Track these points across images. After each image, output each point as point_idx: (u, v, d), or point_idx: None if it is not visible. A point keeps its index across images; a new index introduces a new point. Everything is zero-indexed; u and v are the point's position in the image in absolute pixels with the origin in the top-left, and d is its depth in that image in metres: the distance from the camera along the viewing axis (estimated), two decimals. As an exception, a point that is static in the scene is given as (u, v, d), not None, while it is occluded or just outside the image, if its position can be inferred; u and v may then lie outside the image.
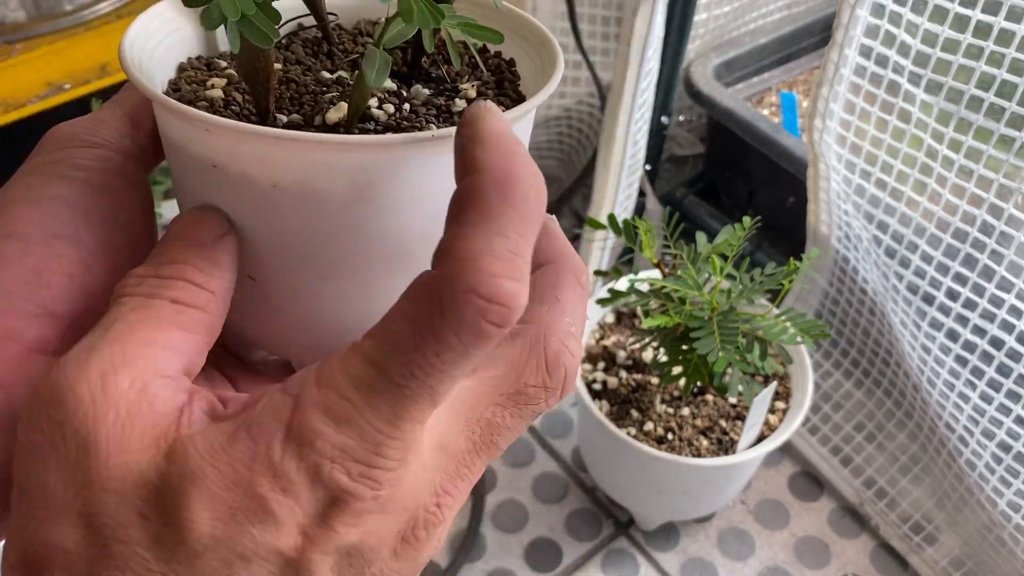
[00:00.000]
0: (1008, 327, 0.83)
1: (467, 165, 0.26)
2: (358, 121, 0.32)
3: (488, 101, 0.28)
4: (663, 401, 0.95)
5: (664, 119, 1.26)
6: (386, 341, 0.25)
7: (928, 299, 0.90)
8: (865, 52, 0.84)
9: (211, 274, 0.29)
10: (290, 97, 0.35)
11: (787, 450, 1.13)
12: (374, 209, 0.30)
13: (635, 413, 0.94)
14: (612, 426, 0.90)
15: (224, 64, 0.35)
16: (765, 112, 1.29)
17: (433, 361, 0.25)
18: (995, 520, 0.92)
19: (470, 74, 0.36)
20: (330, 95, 0.34)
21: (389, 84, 0.35)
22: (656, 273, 0.89)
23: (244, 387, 0.35)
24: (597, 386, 0.97)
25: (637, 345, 0.99)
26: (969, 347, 0.87)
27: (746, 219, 0.82)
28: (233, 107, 0.33)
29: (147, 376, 0.26)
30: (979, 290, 0.84)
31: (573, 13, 1.12)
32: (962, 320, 0.87)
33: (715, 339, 0.79)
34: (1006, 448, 0.87)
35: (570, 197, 1.30)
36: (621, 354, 0.99)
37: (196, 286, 0.29)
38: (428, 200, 0.30)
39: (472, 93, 0.35)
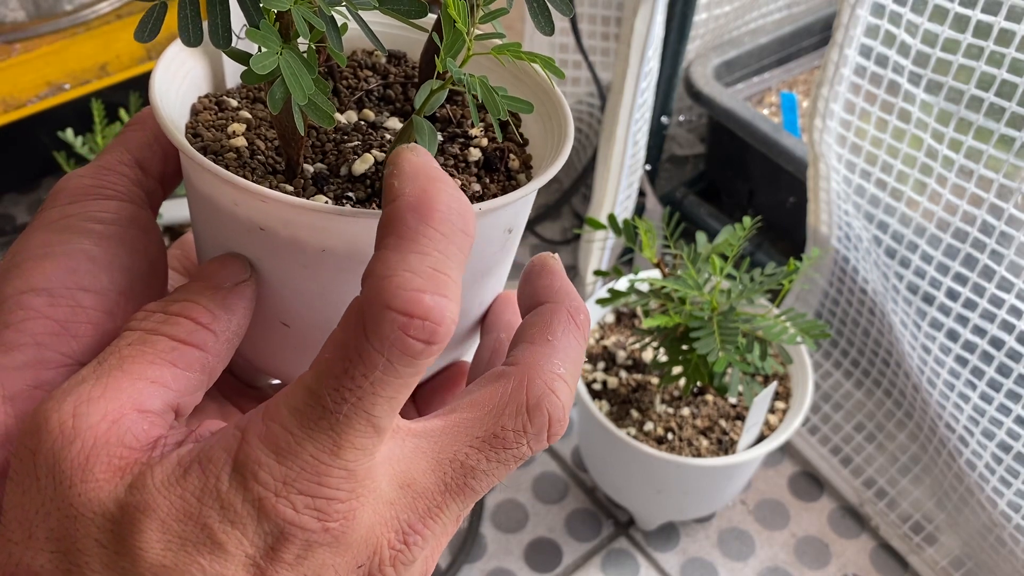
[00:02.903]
0: (1008, 327, 0.83)
1: (387, 195, 0.27)
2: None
3: (412, 144, 0.29)
4: (663, 401, 0.95)
5: (664, 119, 1.26)
6: (319, 369, 0.26)
7: (928, 299, 0.90)
8: (865, 52, 0.84)
9: (218, 316, 0.30)
10: (312, 144, 0.35)
11: (787, 450, 1.13)
12: None
13: (635, 413, 0.94)
14: (612, 426, 0.90)
15: (235, 103, 0.36)
16: (765, 112, 1.29)
17: (362, 383, 0.25)
18: (995, 520, 0.92)
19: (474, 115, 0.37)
20: (352, 144, 0.35)
21: (400, 126, 0.36)
22: (656, 273, 0.89)
23: None
24: (597, 386, 0.97)
25: (637, 345, 0.99)
26: (969, 347, 0.87)
27: (746, 219, 0.82)
28: (259, 156, 0.34)
29: (124, 409, 0.27)
30: (979, 290, 0.84)
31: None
32: (962, 320, 0.87)
33: (715, 339, 0.79)
34: (1006, 448, 0.87)
35: (570, 197, 1.30)
36: (621, 354, 0.99)
37: (200, 326, 0.29)
38: (482, 243, 0.31)
39: (484, 142, 0.36)
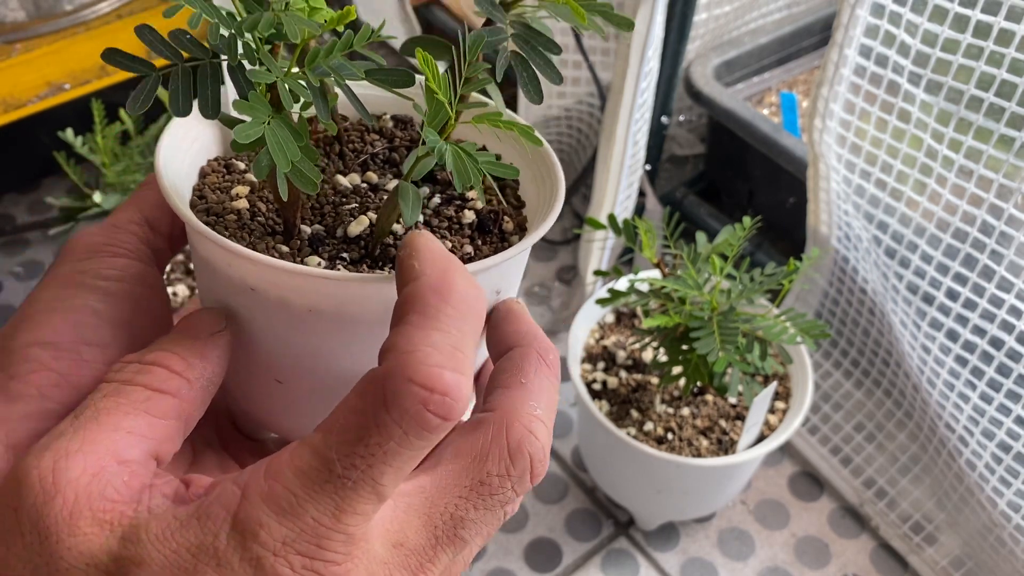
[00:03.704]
0: (1008, 327, 0.83)
1: (407, 275, 0.29)
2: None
3: (424, 230, 0.32)
4: (663, 401, 0.95)
5: (664, 119, 1.26)
6: (331, 433, 0.26)
7: (928, 299, 0.90)
8: (865, 52, 0.84)
9: (192, 364, 0.31)
10: (311, 206, 0.36)
11: (787, 450, 1.13)
12: None
13: (635, 413, 0.94)
14: (612, 426, 0.90)
15: (242, 165, 0.37)
16: (765, 112, 1.29)
17: (375, 451, 0.26)
18: (995, 520, 0.92)
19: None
20: (350, 206, 0.36)
21: None
22: (656, 273, 0.89)
23: None
24: (597, 386, 0.97)
25: (637, 345, 0.99)
26: (969, 347, 0.87)
27: (746, 219, 0.82)
28: (259, 218, 0.35)
29: (103, 461, 0.27)
30: (979, 290, 0.84)
31: (573, 13, 1.12)
32: (962, 320, 0.87)
33: (715, 339, 0.79)
34: (1006, 448, 0.87)
35: (570, 197, 1.31)
36: (621, 354, 0.99)
37: (174, 373, 0.30)
38: None
39: (479, 204, 0.37)
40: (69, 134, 0.96)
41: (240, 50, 0.30)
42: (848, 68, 0.86)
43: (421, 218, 0.36)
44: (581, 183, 1.28)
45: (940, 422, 0.94)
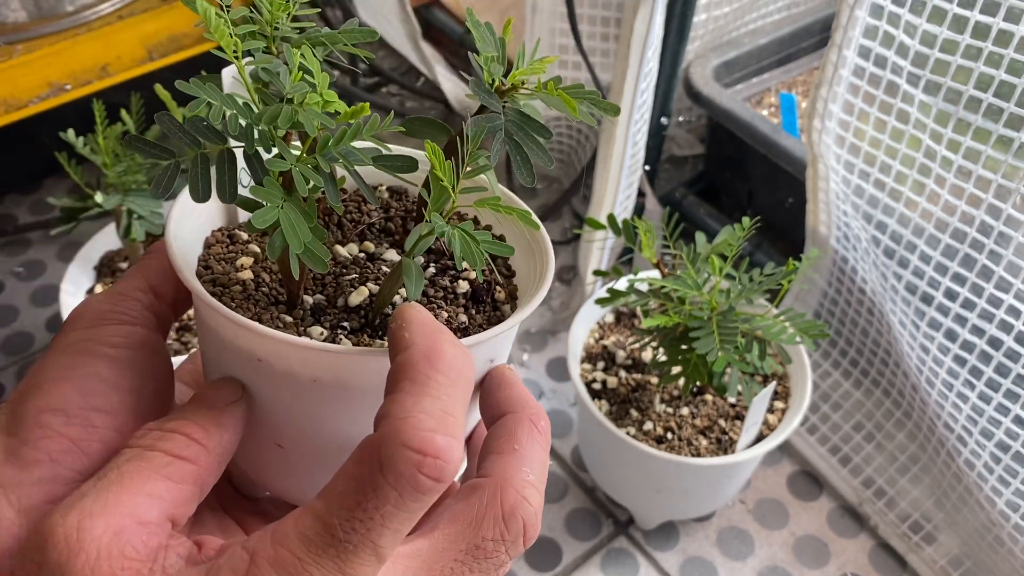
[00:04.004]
0: (1006, 327, 0.83)
1: (398, 345, 0.30)
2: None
3: (413, 302, 0.33)
4: (662, 401, 0.95)
5: (664, 119, 1.27)
6: (331, 499, 0.28)
7: (926, 299, 0.90)
8: (864, 53, 0.85)
9: (210, 432, 0.33)
10: (313, 276, 0.38)
11: (786, 449, 1.14)
12: None
13: (634, 413, 0.94)
14: (612, 426, 0.91)
15: (245, 236, 0.39)
16: (764, 113, 1.29)
17: (373, 515, 0.28)
18: (994, 519, 0.92)
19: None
20: (350, 276, 0.38)
21: (397, 258, 0.39)
22: (656, 273, 0.90)
23: (253, 531, 0.38)
24: (596, 386, 0.97)
25: (636, 345, 0.99)
26: (967, 347, 0.87)
27: (745, 219, 0.83)
28: (263, 288, 0.37)
29: (124, 522, 0.29)
30: (977, 290, 0.84)
31: (573, 13, 1.12)
32: (960, 320, 0.87)
33: (714, 339, 0.79)
34: (1004, 448, 0.88)
35: (570, 197, 1.31)
36: (620, 354, 1.00)
37: (192, 440, 0.32)
38: None
39: (472, 275, 0.39)
40: (70, 134, 0.96)
41: (255, 136, 0.32)
42: (847, 69, 0.87)
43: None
44: (581, 183, 1.28)
45: (939, 422, 0.94)
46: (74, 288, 1.05)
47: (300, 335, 0.35)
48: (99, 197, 0.98)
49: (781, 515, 1.09)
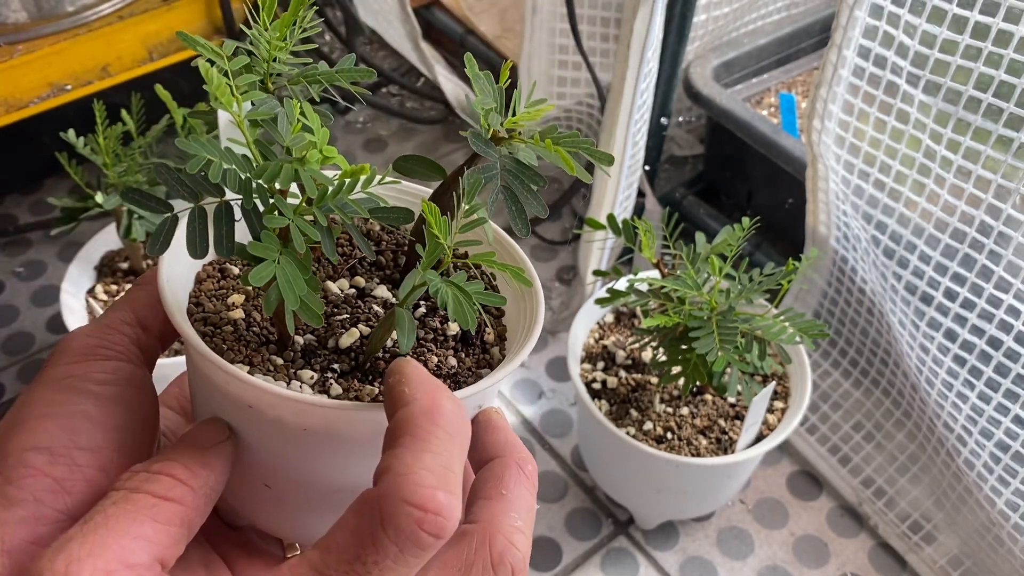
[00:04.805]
0: (1006, 327, 0.83)
1: (398, 400, 0.31)
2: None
3: (409, 357, 0.34)
4: (662, 401, 0.95)
5: (663, 120, 1.27)
6: (330, 552, 0.28)
7: (926, 299, 0.90)
8: (863, 53, 0.85)
9: (196, 472, 0.32)
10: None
11: (786, 449, 1.14)
12: None
13: (634, 413, 0.94)
14: (611, 425, 0.91)
15: (236, 271, 0.39)
16: (764, 113, 1.29)
17: (372, 569, 0.28)
18: (993, 519, 0.92)
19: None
20: (341, 317, 0.38)
21: (387, 295, 0.39)
22: (655, 273, 0.90)
23: (237, 565, 0.38)
24: (596, 386, 0.97)
25: (636, 345, 0.99)
26: (967, 347, 0.87)
27: (745, 219, 0.83)
28: (254, 328, 0.37)
29: (112, 565, 0.29)
30: (977, 290, 0.84)
31: (573, 14, 1.12)
32: (960, 320, 0.87)
33: (714, 339, 0.79)
34: (1004, 448, 0.88)
35: (570, 197, 1.31)
36: (620, 354, 1.00)
37: (178, 481, 0.32)
38: None
39: None
40: (71, 135, 0.96)
41: (253, 190, 0.32)
42: (847, 69, 0.87)
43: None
44: (581, 183, 1.29)
45: (938, 421, 0.94)
46: (74, 288, 1.05)
47: (291, 378, 0.35)
48: (99, 197, 0.98)
49: (781, 515, 1.09)
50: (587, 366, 0.99)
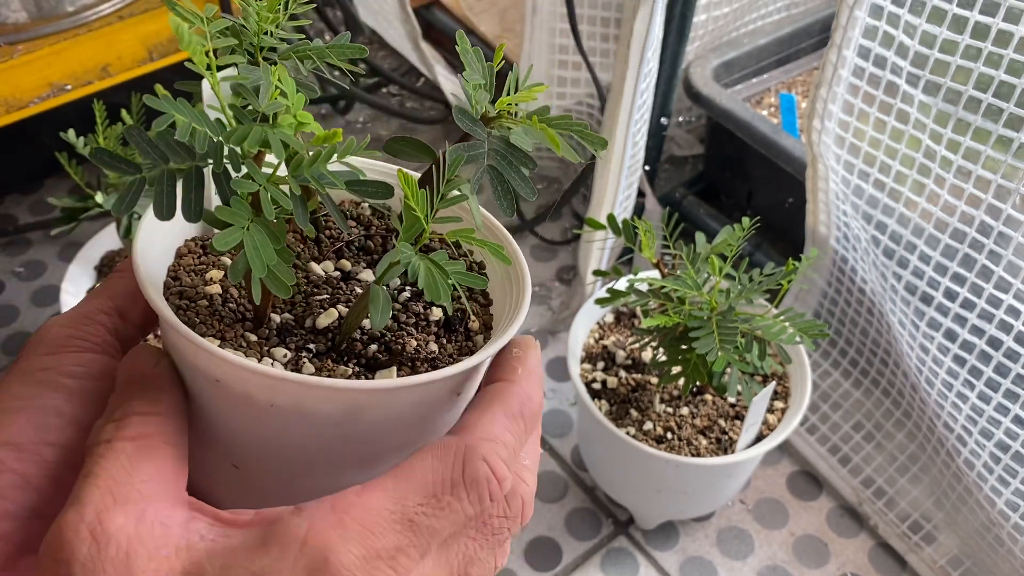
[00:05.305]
0: (1006, 327, 0.83)
1: (507, 370, 0.35)
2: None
3: (535, 341, 0.36)
4: (662, 401, 0.95)
5: (663, 120, 1.27)
6: (408, 481, 0.31)
7: (926, 299, 0.90)
8: (863, 53, 0.85)
9: (156, 399, 0.32)
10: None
11: (786, 449, 1.14)
12: (360, 426, 0.34)
13: (634, 412, 0.94)
14: (611, 425, 0.91)
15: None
16: (764, 113, 1.29)
17: (443, 506, 0.31)
18: (993, 519, 0.92)
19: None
20: (320, 297, 0.38)
21: (372, 279, 0.38)
22: (655, 273, 0.90)
23: None
24: (596, 386, 0.97)
25: (636, 345, 0.99)
26: (967, 347, 0.87)
27: (745, 219, 0.83)
28: (230, 304, 0.36)
29: (140, 507, 0.29)
30: (977, 290, 0.84)
31: (573, 14, 1.12)
32: (960, 320, 0.87)
33: (714, 339, 0.79)
34: (1004, 448, 0.88)
35: (570, 197, 1.31)
36: (620, 354, 1.00)
37: (146, 415, 0.32)
38: (403, 417, 0.35)
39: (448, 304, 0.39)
40: (71, 135, 0.96)
41: (226, 155, 0.31)
42: (847, 69, 0.87)
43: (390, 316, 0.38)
44: (581, 183, 1.29)
45: (938, 421, 0.94)
46: (74, 288, 1.05)
47: (263, 355, 0.35)
48: (99, 197, 0.98)
49: (781, 515, 1.09)
50: (587, 366, 0.99)
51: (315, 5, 1.49)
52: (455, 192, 0.34)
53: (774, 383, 0.92)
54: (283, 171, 0.32)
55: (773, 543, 1.07)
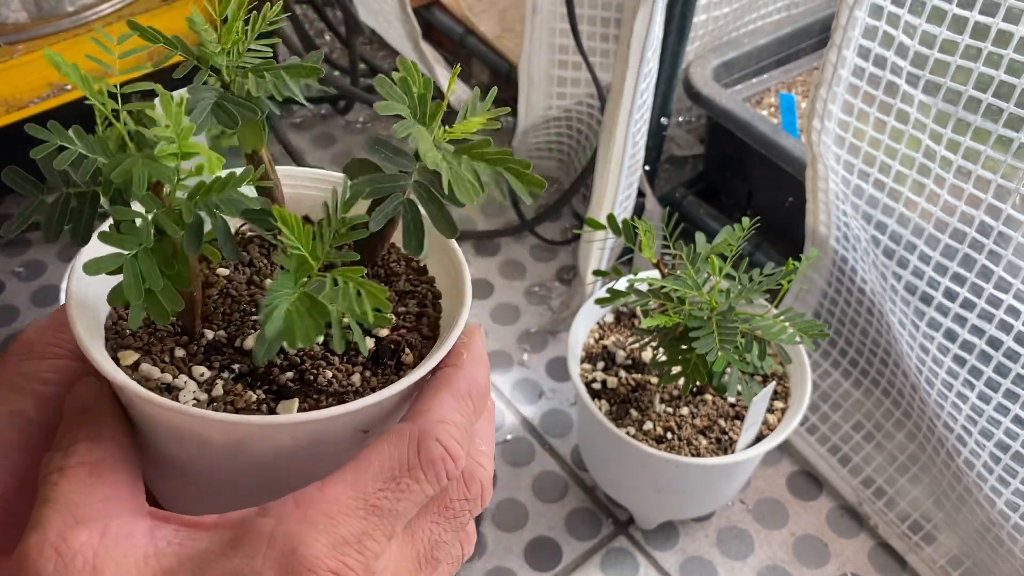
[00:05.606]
0: (1006, 327, 0.83)
1: (454, 356, 0.36)
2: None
3: (481, 329, 0.37)
4: (662, 401, 0.95)
5: (663, 120, 1.27)
6: (367, 470, 0.32)
7: (926, 299, 0.90)
8: (863, 53, 0.85)
9: (100, 424, 0.33)
10: (223, 312, 0.38)
11: (786, 449, 1.14)
12: (255, 456, 0.34)
13: (634, 412, 0.94)
14: (611, 425, 0.91)
15: None
16: (764, 113, 1.30)
17: (403, 488, 0.32)
18: (993, 519, 0.92)
19: (397, 301, 0.40)
20: (257, 317, 0.37)
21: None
22: (655, 273, 0.90)
23: None
24: (596, 386, 0.97)
25: (636, 345, 0.99)
26: (967, 347, 0.87)
27: (745, 219, 0.83)
28: (167, 325, 0.36)
29: (102, 524, 0.29)
30: (977, 290, 0.84)
31: (573, 13, 1.12)
32: (960, 320, 0.87)
33: (714, 339, 0.79)
34: (1004, 448, 0.88)
35: (570, 197, 1.31)
36: (620, 354, 1.00)
37: (93, 440, 0.32)
38: (299, 450, 0.35)
39: (383, 331, 0.38)
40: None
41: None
42: (846, 69, 0.87)
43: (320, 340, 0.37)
44: (581, 183, 1.29)
45: (938, 421, 0.94)
46: (74, 288, 1.05)
47: (185, 372, 0.35)
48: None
49: (781, 515, 1.09)
50: (587, 366, 0.99)
51: (315, 6, 1.49)
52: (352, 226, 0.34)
53: (774, 383, 0.92)
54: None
55: (773, 543, 1.07)
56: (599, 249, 1.20)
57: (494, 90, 0.37)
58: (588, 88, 1.31)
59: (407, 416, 0.34)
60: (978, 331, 0.86)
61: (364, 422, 0.35)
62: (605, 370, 0.99)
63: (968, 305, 0.86)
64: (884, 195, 0.91)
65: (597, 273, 0.93)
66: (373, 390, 0.36)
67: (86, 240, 0.33)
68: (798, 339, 0.82)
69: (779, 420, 0.95)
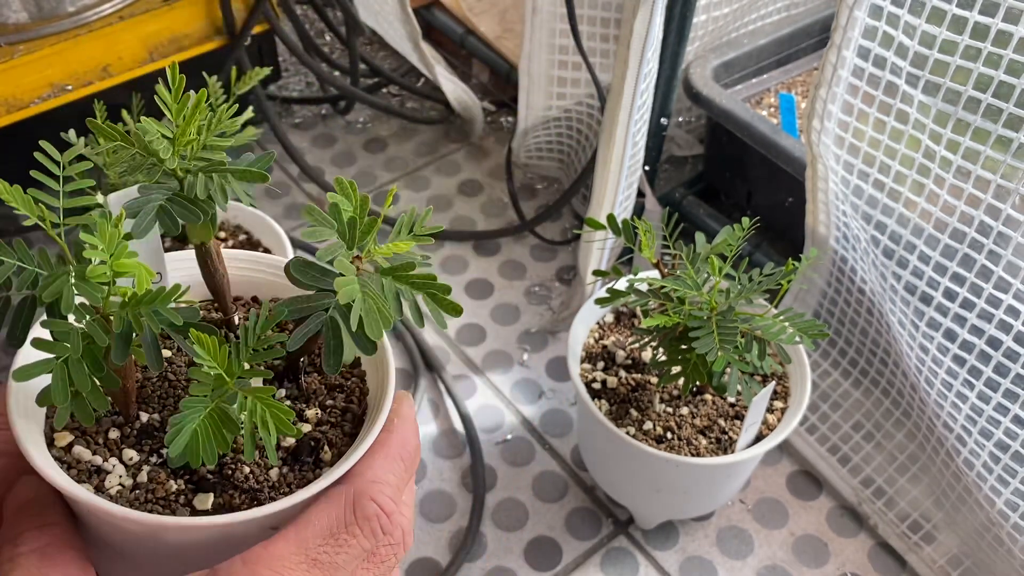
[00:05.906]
0: (1005, 327, 0.83)
1: (388, 423, 0.39)
2: None
3: (410, 397, 0.40)
4: (662, 400, 0.95)
5: (663, 120, 1.27)
6: (307, 528, 0.35)
7: (926, 299, 0.90)
8: (863, 53, 0.85)
9: (43, 514, 0.36)
10: (160, 395, 0.40)
11: (786, 449, 1.14)
12: (167, 547, 0.36)
13: (634, 412, 0.95)
14: (611, 425, 0.91)
15: None
16: (764, 113, 1.30)
17: (341, 544, 0.35)
18: (993, 519, 0.92)
19: (325, 394, 0.42)
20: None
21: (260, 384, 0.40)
22: (655, 273, 0.90)
23: None
24: (596, 385, 0.97)
25: (636, 345, 0.99)
26: (967, 347, 0.88)
27: (745, 219, 0.83)
28: (110, 400, 0.38)
29: None
30: (977, 290, 0.84)
31: (573, 13, 1.12)
32: (960, 320, 0.87)
33: (714, 339, 0.79)
34: (1004, 447, 0.88)
35: (570, 197, 1.31)
36: (620, 354, 1.00)
37: (39, 528, 0.35)
38: (209, 543, 0.36)
39: (306, 427, 0.40)
40: (71, 135, 0.96)
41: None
42: (846, 69, 0.87)
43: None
44: (581, 183, 1.29)
45: (938, 421, 0.94)
46: (75, 288, 1.05)
47: (116, 455, 0.37)
48: (100, 198, 0.98)
49: (780, 515, 1.09)
50: (587, 366, 1.00)
51: (315, 6, 1.49)
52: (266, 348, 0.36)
53: (774, 383, 0.92)
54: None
55: (773, 543, 1.07)
56: (599, 249, 1.20)
57: (429, 210, 0.40)
58: (588, 88, 1.31)
59: (343, 478, 0.37)
60: (978, 331, 0.86)
61: (275, 522, 0.37)
62: (605, 370, 0.99)
63: (968, 305, 0.86)
64: (884, 195, 0.91)
65: (597, 273, 0.93)
66: (290, 486, 0.39)
67: (21, 343, 0.35)
68: (798, 339, 0.82)
69: (779, 420, 0.95)
